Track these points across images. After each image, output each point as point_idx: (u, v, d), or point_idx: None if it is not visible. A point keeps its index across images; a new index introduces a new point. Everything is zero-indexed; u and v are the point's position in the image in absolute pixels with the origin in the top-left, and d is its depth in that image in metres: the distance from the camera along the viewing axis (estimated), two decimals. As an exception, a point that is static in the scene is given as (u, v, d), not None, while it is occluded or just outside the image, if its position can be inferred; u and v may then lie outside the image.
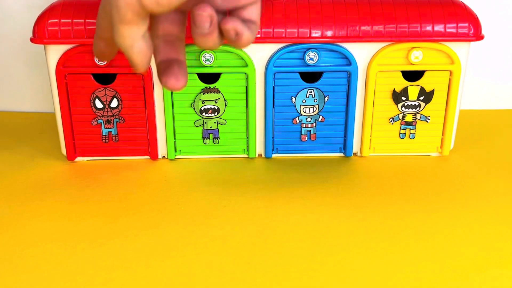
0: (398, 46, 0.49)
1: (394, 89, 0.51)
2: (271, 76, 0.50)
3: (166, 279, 0.36)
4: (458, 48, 0.50)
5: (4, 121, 0.65)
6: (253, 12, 0.37)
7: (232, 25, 0.36)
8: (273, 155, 0.54)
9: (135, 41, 0.35)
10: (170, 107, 0.51)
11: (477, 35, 0.49)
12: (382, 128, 0.53)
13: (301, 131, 0.53)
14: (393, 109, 0.52)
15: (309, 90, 0.51)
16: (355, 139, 0.53)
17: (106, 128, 0.52)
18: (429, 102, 0.52)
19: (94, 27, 0.48)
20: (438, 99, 0.52)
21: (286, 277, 0.37)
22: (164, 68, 0.38)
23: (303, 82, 0.51)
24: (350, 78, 0.50)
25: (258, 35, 0.48)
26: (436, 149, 0.54)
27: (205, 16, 0.36)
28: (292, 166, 0.52)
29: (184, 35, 0.39)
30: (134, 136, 0.53)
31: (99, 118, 0.52)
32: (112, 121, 0.52)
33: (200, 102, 0.51)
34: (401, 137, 0.53)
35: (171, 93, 0.50)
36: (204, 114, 0.52)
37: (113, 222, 0.43)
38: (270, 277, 0.36)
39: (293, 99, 0.51)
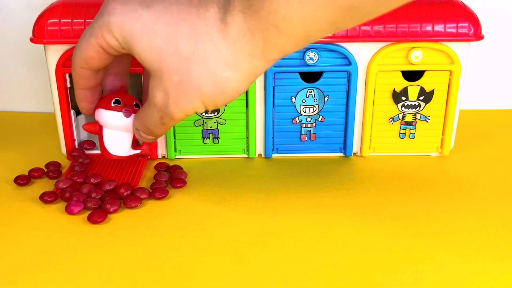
0: (398, 46, 0.49)
1: (394, 89, 0.51)
2: (271, 76, 0.50)
3: (166, 279, 0.36)
4: (458, 48, 0.50)
5: (4, 121, 0.65)
6: None
7: None
8: (273, 155, 0.54)
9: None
10: (170, 107, 0.51)
11: (477, 35, 0.49)
12: (382, 128, 0.53)
13: (301, 131, 0.53)
14: (393, 109, 0.52)
15: (309, 90, 0.51)
16: (355, 139, 0.53)
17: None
18: (429, 102, 0.52)
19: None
20: (438, 99, 0.52)
21: (286, 277, 0.37)
22: None
23: (303, 82, 0.51)
24: (350, 78, 0.50)
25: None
26: (436, 149, 0.54)
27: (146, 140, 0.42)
28: (292, 166, 0.52)
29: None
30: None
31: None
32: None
33: (200, 102, 0.51)
34: (401, 137, 0.53)
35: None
36: (204, 114, 0.52)
37: (112, 222, 0.43)
38: (270, 277, 0.36)
39: (293, 99, 0.51)
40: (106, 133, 0.44)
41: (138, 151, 0.46)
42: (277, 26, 0.32)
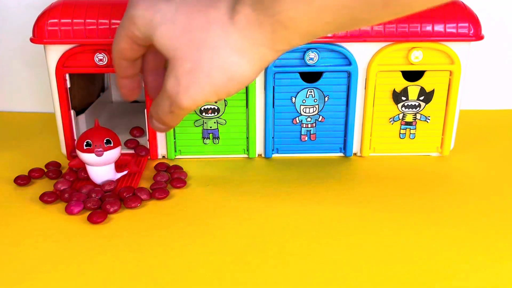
0: (398, 46, 0.49)
1: (394, 89, 0.51)
2: (271, 76, 0.50)
3: (166, 279, 0.36)
4: (458, 48, 0.50)
5: (4, 121, 0.65)
6: None
7: None
8: (273, 155, 0.54)
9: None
10: (170, 107, 0.51)
11: (477, 35, 0.49)
12: (382, 128, 0.53)
13: (301, 131, 0.53)
14: (393, 109, 0.52)
15: (309, 90, 0.51)
16: (355, 139, 0.53)
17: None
18: (429, 102, 0.52)
19: (94, 27, 0.48)
20: (438, 99, 0.52)
21: (286, 277, 0.36)
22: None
23: (303, 82, 0.51)
24: (350, 78, 0.50)
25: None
26: (436, 149, 0.54)
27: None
28: (292, 166, 0.52)
29: None
30: (134, 136, 0.53)
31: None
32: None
33: (200, 102, 0.51)
34: (401, 137, 0.53)
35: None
36: (204, 114, 0.52)
37: (112, 222, 0.43)
38: (270, 277, 0.36)
39: (293, 99, 0.51)
40: (88, 168, 0.47)
41: (125, 172, 0.48)
42: (284, 24, 0.34)
